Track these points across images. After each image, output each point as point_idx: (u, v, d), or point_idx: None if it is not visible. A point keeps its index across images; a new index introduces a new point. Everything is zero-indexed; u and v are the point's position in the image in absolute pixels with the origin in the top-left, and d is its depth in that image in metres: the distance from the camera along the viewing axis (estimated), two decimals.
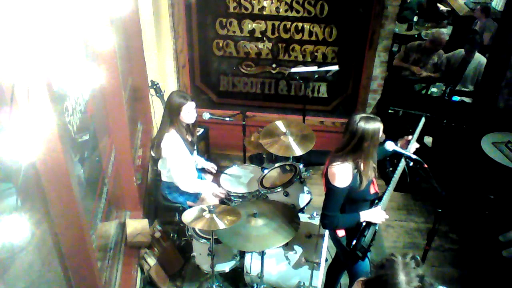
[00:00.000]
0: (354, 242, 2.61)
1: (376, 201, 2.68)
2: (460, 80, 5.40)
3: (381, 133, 2.52)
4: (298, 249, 3.18)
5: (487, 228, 4.03)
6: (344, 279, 3.21)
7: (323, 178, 2.67)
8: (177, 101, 3.19)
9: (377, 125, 2.47)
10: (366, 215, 2.62)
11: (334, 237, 2.79)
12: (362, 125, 2.44)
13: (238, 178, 3.72)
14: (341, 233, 2.72)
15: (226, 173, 3.75)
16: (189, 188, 3.42)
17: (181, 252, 3.69)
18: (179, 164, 3.32)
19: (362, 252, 2.63)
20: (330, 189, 2.56)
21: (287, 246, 3.16)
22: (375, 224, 2.66)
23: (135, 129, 4.04)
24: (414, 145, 2.82)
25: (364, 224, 2.63)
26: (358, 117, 2.47)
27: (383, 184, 2.83)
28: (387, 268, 1.59)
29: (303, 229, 3.24)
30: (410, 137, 2.83)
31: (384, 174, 4.19)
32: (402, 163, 2.73)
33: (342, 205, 2.61)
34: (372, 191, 2.67)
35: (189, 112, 3.24)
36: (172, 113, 3.21)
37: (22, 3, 1.50)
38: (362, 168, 2.55)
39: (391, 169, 2.78)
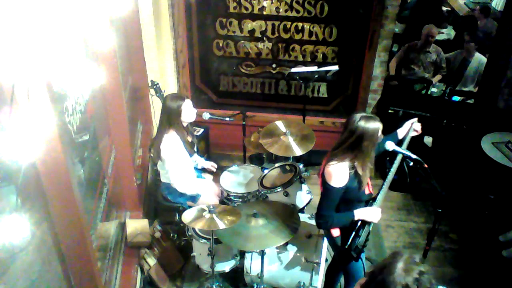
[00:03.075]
0: (349, 242, 2.60)
1: (370, 201, 2.68)
2: (461, 80, 5.39)
3: (379, 134, 2.52)
4: (298, 249, 3.18)
5: (487, 228, 4.03)
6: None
7: (319, 177, 2.67)
8: (175, 104, 3.21)
9: (376, 125, 2.46)
10: (360, 214, 2.60)
11: (329, 237, 2.79)
12: (362, 124, 2.43)
13: (238, 178, 3.72)
14: (336, 233, 2.71)
15: (226, 173, 3.75)
16: (187, 190, 3.42)
17: (181, 252, 3.69)
18: (177, 166, 3.32)
19: (357, 253, 2.63)
20: (326, 188, 2.56)
21: (287, 246, 3.16)
22: (369, 224, 2.66)
23: (135, 129, 4.04)
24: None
25: (359, 224, 2.62)
26: (358, 116, 2.46)
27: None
28: (392, 258, 1.68)
29: (303, 229, 3.23)
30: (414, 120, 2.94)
31: (384, 174, 4.18)
32: (397, 163, 2.72)
33: (337, 204, 2.60)
34: (366, 191, 2.66)
35: (189, 110, 3.28)
36: (172, 116, 3.21)
37: (22, 3, 1.50)
38: (360, 169, 2.55)
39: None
